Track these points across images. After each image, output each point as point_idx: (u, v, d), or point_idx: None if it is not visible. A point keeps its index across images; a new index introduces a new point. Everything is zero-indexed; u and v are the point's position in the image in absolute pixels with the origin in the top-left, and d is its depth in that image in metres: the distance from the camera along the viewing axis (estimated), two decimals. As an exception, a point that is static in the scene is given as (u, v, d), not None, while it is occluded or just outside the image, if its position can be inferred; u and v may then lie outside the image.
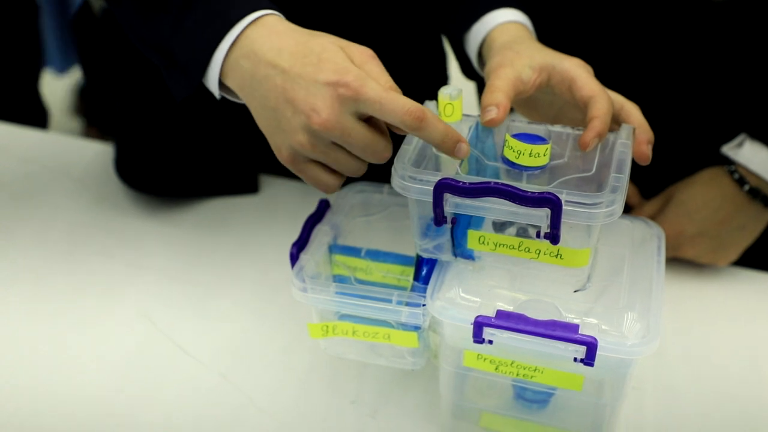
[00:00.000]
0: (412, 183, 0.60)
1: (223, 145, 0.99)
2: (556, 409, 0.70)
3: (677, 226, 0.87)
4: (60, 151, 1.09)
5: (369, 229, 0.75)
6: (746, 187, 0.84)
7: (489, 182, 0.58)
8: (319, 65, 0.59)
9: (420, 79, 1.04)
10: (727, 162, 0.86)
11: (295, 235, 0.70)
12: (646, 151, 0.64)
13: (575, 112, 0.68)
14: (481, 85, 0.98)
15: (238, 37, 0.63)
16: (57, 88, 2.03)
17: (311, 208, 0.73)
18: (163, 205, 0.99)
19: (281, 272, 0.86)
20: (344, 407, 0.75)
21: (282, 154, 0.63)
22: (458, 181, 0.58)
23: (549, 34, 0.80)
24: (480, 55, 0.77)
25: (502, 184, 0.57)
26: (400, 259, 0.72)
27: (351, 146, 0.61)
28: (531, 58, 0.68)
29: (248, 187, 1.01)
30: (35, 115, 1.56)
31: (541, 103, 0.72)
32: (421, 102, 0.69)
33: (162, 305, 0.86)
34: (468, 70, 0.85)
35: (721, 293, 0.88)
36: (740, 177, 0.85)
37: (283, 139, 0.62)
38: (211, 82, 0.66)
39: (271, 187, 1.02)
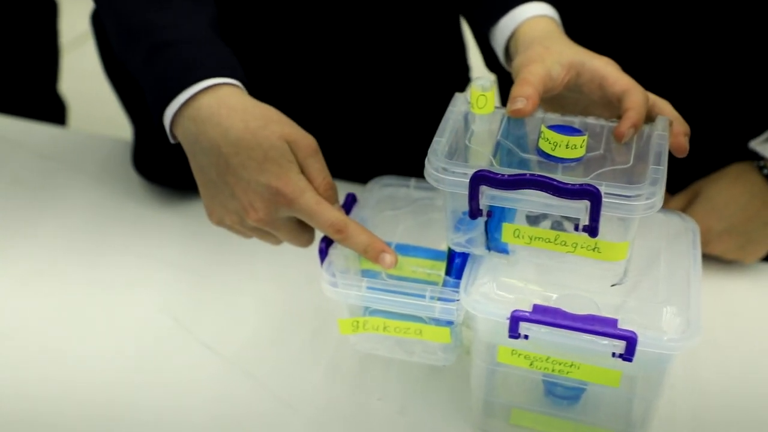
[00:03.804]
0: (446, 175, 0.59)
1: None
2: (588, 405, 0.69)
3: (704, 223, 0.86)
4: (77, 146, 1.08)
5: (396, 223, 0.74)
6: (775, 182, 0.83)
7: (526, 174, 0.57)
8: (264, 165, 0.63)
9: (441, 70, 1.03)
10: (755, 157, 0.85)
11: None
12: (684, 142, 0.63)
13: (601, 110, 0.67)
14: (503, 77, 0.98)
15: (190, 99, 0.65)
16: (77, 84, 2.02)
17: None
18: (182, 200, 0.98)
19: (303, 268, 0.85)
20: (371, 404, 0.74)
21: (212, 218, 0.69)
22: (496, 173, 0.57)
23: (571, 31, 0.79)
24: (507, 49, 0.76)
25: (540, 176, 0.56)
26: (429, 254, 0.71)
27: (277, 235, 0.68)
28: (560, 54, 0.67)
29: None
30: (54, 112, 1.56)
31: (567, 100, 0.71)
32: (449, 95, 0.68)
33: (183, 301, 0.85)
34: (491, 63, 0.84)
35: (749, 289, 0.87)
36: (769, 172, 0.84)
37: (216, 208, 0.68)
38: (167, 125, 0.68)
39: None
